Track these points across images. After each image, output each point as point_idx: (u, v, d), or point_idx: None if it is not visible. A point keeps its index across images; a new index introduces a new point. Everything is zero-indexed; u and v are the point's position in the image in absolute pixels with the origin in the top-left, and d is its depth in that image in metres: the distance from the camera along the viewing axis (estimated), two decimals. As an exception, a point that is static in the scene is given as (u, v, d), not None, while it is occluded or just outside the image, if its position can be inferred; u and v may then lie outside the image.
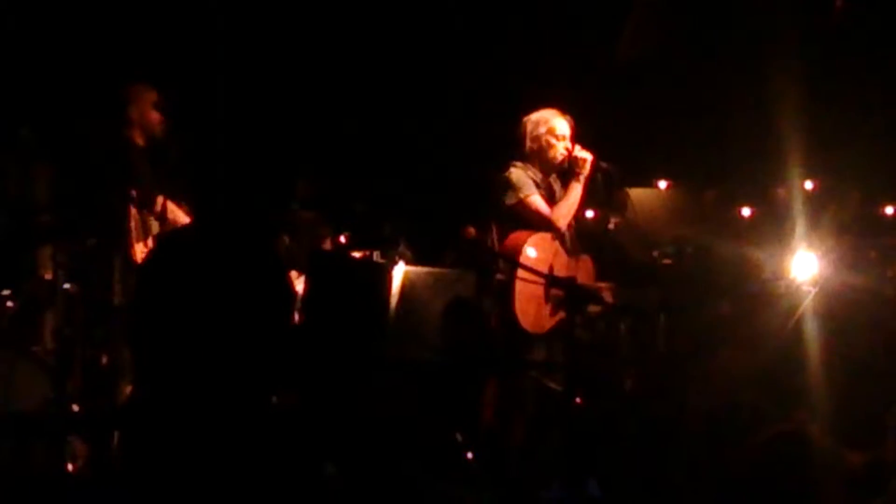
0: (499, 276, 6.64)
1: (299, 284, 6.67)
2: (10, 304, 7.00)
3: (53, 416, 6.31)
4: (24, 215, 7.12)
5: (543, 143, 6.87)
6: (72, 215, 6.84)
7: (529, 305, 6.53)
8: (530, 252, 6.54)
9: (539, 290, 6.54)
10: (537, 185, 6.85)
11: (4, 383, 6.58)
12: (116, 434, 6.26)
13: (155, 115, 7.12)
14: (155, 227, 6.94)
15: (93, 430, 6.39)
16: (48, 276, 6.87)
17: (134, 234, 6.88)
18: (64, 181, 7.21)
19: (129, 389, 6.65)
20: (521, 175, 6.82)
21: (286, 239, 7.72)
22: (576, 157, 6.87)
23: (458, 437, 6.57)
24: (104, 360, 6.97)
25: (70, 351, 6.55)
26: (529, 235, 6.60)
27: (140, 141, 7.10)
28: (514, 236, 6.64)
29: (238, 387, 4.48)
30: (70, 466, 6.20)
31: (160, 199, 6.93)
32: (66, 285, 6.59)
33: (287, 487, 4.67)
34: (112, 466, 6.11)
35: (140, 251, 6.87)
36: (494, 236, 6.79)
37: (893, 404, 6.44)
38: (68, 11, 8.40)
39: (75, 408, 6.47)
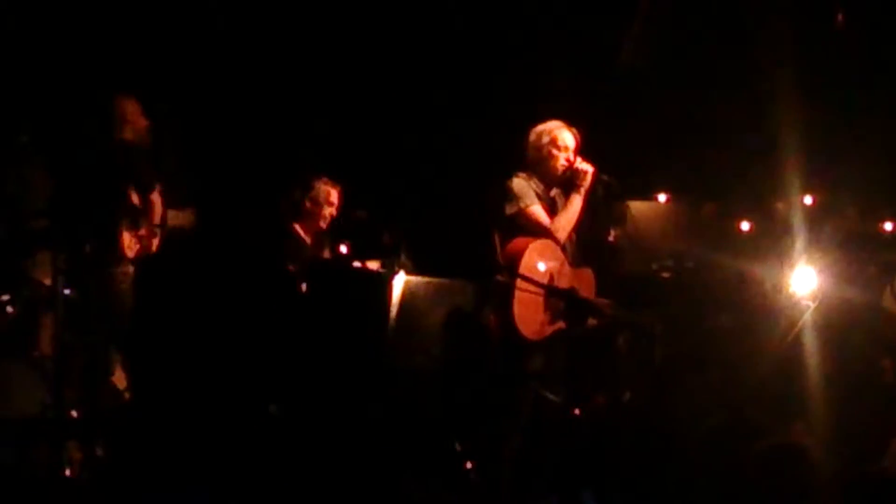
0: (498, 277, 6.64)
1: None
2: (9, 309, 7.00)
3: (52, 422, 6.30)
4: (23, 221, 7.12)
5: (545, 154, 6.88)
6: (70, 220, 6.84)
7: (528, 311, 6.53)
8: (539, 265, 6.54)
9: (539, 297, 6.54)
10: (539, 196, 6.85)
11: (4, 389, 6.58)
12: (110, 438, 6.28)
13: (143, 121, 7.19)
14: (156, 215, 6.94)
15: (90, 435, 6.39)
16: (47, 282, 6.86)
17: (124, 224, 6.89)
18: (61, 186, 7.21)
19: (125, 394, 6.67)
20: (523, 185, 6.83)
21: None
22: (577, 169, 6.87)
23: (457, 446, 6.57)
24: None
25: (69, 356, 6.54)
26: (531, 242, 6.61)
27: (130, 136, 7.18)
28: (516, 242, 6.64)
29: (236, 391, 4.49)
30: (68, 472, 6.19)
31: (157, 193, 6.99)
32: (66, 291, 6.58)
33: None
34: (107, 471, 6.11)
35: (128, 241, 6.84)
36: (497, 244, 6.79)
37: (893, 420, 6.45)
38: (67, 16, 8.39)
39: (74, 413, 6.46)
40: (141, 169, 7.13)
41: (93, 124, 7.28)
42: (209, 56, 8.73)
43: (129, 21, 8.57)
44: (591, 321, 6.94)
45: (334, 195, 7.88)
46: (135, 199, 7.01)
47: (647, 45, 10.35)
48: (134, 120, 7.24)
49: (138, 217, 6.89)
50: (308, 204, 7.80)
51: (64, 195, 7.13)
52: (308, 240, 7.82)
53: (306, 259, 7.43)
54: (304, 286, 6.51)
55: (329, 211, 7.88)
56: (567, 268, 6.81)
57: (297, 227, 7.76)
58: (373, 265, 7.42)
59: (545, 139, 6.90)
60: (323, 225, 7.89)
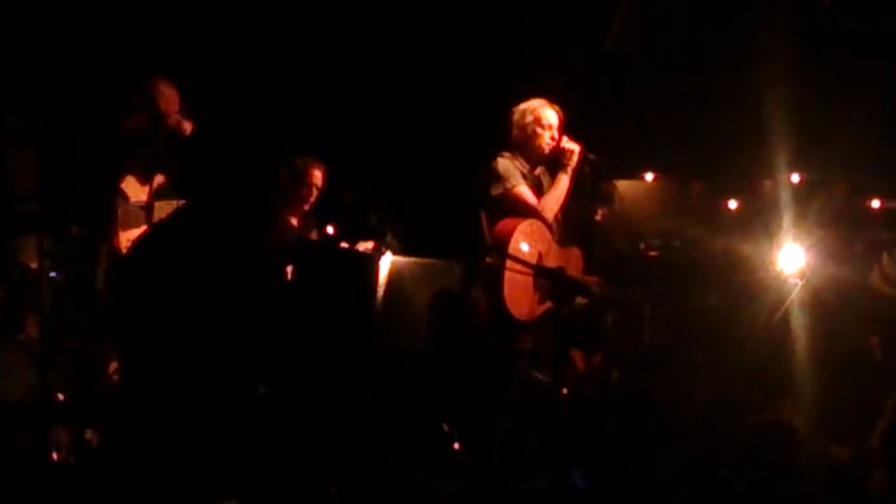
0: (488, 259, 6.63)
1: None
2: (-6, 292, 6.98)
3: (38, 405, 6.28)
4: (9, 203, 7.08)
5: (530, 133, 6.86)
6: (57, 204, 6.81)
7: (518, 292, 6.52)
8: (523, 246, 6.53)
9: (528, 278, 6.54)
10: (524, 176, 6.83)
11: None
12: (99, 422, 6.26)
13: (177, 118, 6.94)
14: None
15: (77, 418, 6.37)
16: (33, 265, 6.83)
17: (120, 223, 6.85)
18: (49, 169, 7.17)
19: (113, 377, 6.64)
20: (508, 165, 6.81)
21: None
22: (563, 148, 6.86)
23: (445, 427, 6.57)
24: (88, 348, 6.93)
25: (55, 340, 6.52)
26: (519, 223, 6.59)
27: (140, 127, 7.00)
28: (504, 223, 6.62)
29: (224, 375, 4.47)
30: (55, 455, 6.18)
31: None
32: (52, 274, 6.55)
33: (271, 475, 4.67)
34: (95, 455, 6.09)
35: (126, 240, 6.83)
36: (484, 225, 6.78)
37: (881, 397, 6.45)
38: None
39: (60, 397, 6.44)
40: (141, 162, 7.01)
41: (105, 109, 7.17)
42: (194, 40, 8.69)
43: (118, 5, 8.54)
44: (580, 300, 6.94)
45: (318, 176, 7.82)
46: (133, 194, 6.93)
47: (634, 26, 10.33)
48: (168, 106, 7.00)
49: (139, 219, 6.85)
50: (292, 185, 7.75)
51: (52, 177, 7.09)
52: (293, 221, 7.78)
53: (292, 241, 7.40)
54: (289, 268, 6.50)
55: (313, 192, 7.83)
56: (555, 247, 6.80)
57: (282, 208, 7.72)
58: (366, 246, 7.41)
59: (529, 118, 6.88)
60: (306, 207, 7.84)
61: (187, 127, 6.89)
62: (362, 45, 9.66)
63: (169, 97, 6.92)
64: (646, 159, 12.60)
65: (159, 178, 7.02)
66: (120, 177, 6.78)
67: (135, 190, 6.85)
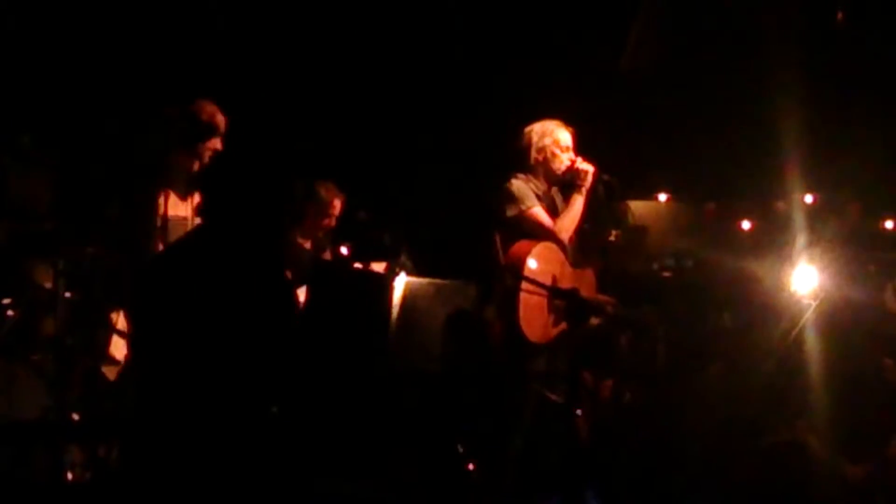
0: (504, 281, 6.63)
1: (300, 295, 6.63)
2: (10, 312, 6.99)
3: (52, 425, 6.29)
4: (25, 223, 7.11)
5: (548, 154, 6.86)
6: (75, 223, 6.82)
7: (533, 315, 6.52)
8: (532, 263, 6.54)
9: (543, 300, 6.54)
10: (539, 197, 6.84)
11: (4, 392, 6.57)
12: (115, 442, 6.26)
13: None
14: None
15: (92, 438, 6.37)
16: (48, 285, 6.85)
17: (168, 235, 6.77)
18: (64, 188, 7.19)
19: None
20: (523, 186, 6.81)
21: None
22: (578, 169, 6.86)
23: (459, 447, 6.56)
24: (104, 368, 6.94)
25: (69, 359, 6.53)
26: (533, 245, 6.60)
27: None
28: (518, 246, 6.63)
29: (238, 395, 4.48)
30: (69, 475, 6.19)
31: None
32: (67, 294, 6.56)
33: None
34: (110, 474, 6.10)
35: None
36: (498, 246, 6.78)
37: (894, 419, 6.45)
38: (71, 17, 8.39)
39: (74, 416, 6.45)
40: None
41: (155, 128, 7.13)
42: (210, 57, 8.72)
43: (130, 23, 8.57)
44: (594, 321, 6.94)
45: (338, 205, 7.80)
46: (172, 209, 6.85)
47: (648, 47, 10.36)
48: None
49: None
50: (309, 210, 7.72)
51: (67, 196, 7.10)
52: (306, 244, 7.75)
53: (305, 263, 7.39)
54: (301, 293, 6.49)
55: (332, 222, 7.80)
56: (568, 269, 6.80)
57: (296, 231, 7.68)
58: (378, 267, 7.40)
59: (547, 140, 6.88)
60: (320, 234, 7.83)
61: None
62: (378, 66, 9.69)
63: (213, 117, 6.85)
64: (659, 180, 12.64)
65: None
66: (158, 192, 6.70)
67: (173, 205, 6.79)
